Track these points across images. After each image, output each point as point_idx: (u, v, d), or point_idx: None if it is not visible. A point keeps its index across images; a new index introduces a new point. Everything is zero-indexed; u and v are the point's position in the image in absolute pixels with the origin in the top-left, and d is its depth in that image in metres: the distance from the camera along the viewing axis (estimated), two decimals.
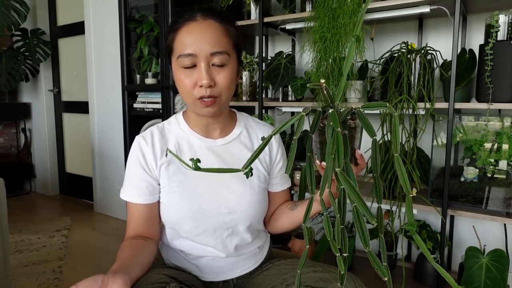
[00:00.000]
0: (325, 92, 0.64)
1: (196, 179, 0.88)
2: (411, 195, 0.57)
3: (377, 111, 1.54)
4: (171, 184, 0.88)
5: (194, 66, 0.81)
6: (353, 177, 0.59)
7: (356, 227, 0.58)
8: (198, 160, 0.60)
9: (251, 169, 0.63)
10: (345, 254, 0.59)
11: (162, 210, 0.91)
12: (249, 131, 0.96)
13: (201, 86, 0.80)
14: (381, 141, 1.52)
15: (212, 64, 0.81)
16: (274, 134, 0.63)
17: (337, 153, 0.58)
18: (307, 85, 0.67)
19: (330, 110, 0.61)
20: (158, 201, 0.90)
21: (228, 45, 0.83)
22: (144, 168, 0.88)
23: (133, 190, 0.88)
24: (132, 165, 0.89)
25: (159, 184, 0.89)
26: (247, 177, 0.63)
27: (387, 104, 0.61)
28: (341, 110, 0.66)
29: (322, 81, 0.63)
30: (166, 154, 0.67)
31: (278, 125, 0.64)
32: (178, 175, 0.88)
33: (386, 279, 0.55)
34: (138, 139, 0.90)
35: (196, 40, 0.80)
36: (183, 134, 0.91)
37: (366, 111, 0.65)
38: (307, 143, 0.67)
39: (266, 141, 0.63)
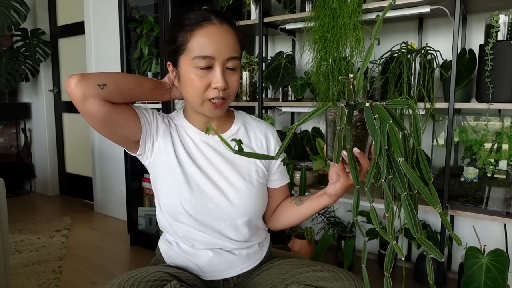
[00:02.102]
0: (351, 86, 0.68)
1: (198, 167, 0.90)
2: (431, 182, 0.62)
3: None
4: (173, 168, 0.89)
5: (208, 67, 0.83)
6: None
7: (406, 217, 0.60)
8: (241, 141, 0.63)
9: (286, 156, 0.66)
10: (395, 242, 0.61)
11: (163, 193, 0.91)
12: (247, 128, 0.98)
13: (215, 88, 0.83)
14: None
15: (226, 68, 0.84)
16: (299, 124, 0.66)
17: (397, 143, 0.61)
18: (339, 78, 0.71)
19: (367, 104, 0.64)
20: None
21: (239, 50, 0.88)
22: (154, 121, 0.90)
23: (142, 108, 0.90)
24: (152, 110, 0.92)
25: (152, 151, 0.90)
26: (284, 165, 0.65)
27: (410, 101, 0.65)
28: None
29: (351, 75, 0.67)
30: (207, 132, 0.69)
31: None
32: (183, 158, 0.90)
33: (443, 260, 0.59)
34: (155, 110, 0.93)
35: (216, 43, 0.82)
36: (182, 129, 0.94)
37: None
38: (347, 136, 0.68)
39: (293, 130, 0.66)
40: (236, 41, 0.86)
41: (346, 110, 0.65)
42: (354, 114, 0.68)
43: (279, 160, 0.99)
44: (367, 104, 0.64)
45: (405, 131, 0.64)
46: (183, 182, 0.88)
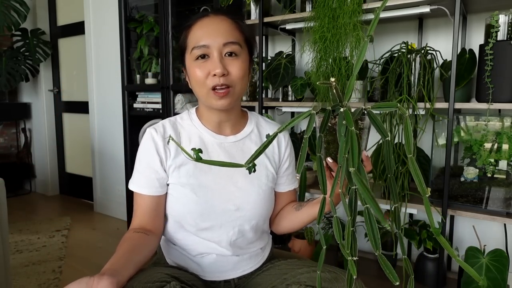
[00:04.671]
0: (334, 91, 0.63)
1: (206, 173, 0.88)
2: (427, 195, 0.56)
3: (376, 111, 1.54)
4: (181, 178, 0.88)
5: (207, 58, 0.83)
6: (365, 177, 0.58)
7: (366, 230, 0.56)
8: (200, 151, 0.59)
9: (254, 165, 0.62)
10: (354, 258, 0.58)
11: (169, 202, 0.91)
12: (259, 130, 0.97)
13: (214, 75, 0.82)
14: (380, 141, 1.52)
15: (225, 55, 0.83)
16: (280, 131, 0.62)
17: (352, 152, 0.56)
18: (317, 83, 0.65)
19: (342, 109, 0.60)
20: (165, 194, 0.91)
21: (239, 37, 0.86)
22: (156, 159, 0.88)
23: (142, 181, 0.88)
24: (143, 156, 0.89)
25: (168, 176, 0.90)
26: (250, 173, 0.61)
27: (399, 104, 0.60)
28: (352, 110, 0.64)
29: (332, 79, 0.61)
30: (168, 141, 0.66)
31: (284, 122, 0.62)
32: (189, 168, 0.88)
33: (397, 283, 0.54)
34: (150, 130, 0.90)
35: (209, 32, 0.83)
36: (195, 130, 0.92)
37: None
38: (317, 143, 0.65)
39: (271, 138, 0.61)
40: (232, 28, 0.85)
41: (317, 118, 0.62)
42: (336, 120, 0.65)
43: (287, 163, 0.98)
44: (342, 110, 0.61)
45: (387, 138, 0.60)
46: (189, 190, 0.87)
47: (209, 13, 0.86)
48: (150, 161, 0.88)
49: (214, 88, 0.83)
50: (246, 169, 0.61)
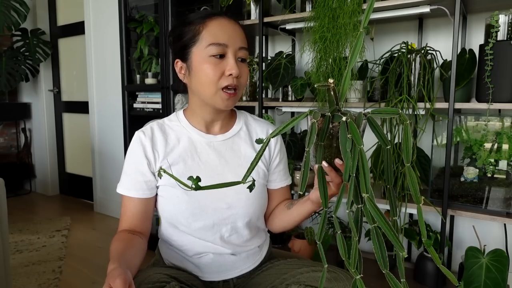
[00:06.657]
0: (332, 93, 0.60)
1: (196, 172, 0.89)
2: (420, 204, 0.55)
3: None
4: (171, 179, 0.88)
5: (222, 57, 0.84)
6: (374, 200, 0.55)
7: (374, 248, 0.54)
8: (199, 179, 0.58)
9: (254, 180, 0.61)
10: (360, 276, 0.55)
11: (160, 203, 0.91)
12: (249, 129, 0.98)
13: (230, 75, 0.83)
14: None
15: (238, 59, 0.86)
16: (273, 137, 0.60)
17: (363, 175, 0.53)
18: (315, 85, 0.64)
19: (344, 118, 0.57)
20: (154, 197, 0.91)
21: (247, 45, 0.89)
22: (144, 162, 0.88)
23: (130, 184, 0.89)
24: (131, 159, 0.90)
25: (156, 178, 0.90)
26: (250, 191, 0.61)
27: (400, 111, 0.57)
28: (353, 115, 0.61)
29: (331, 80, 0.58)
30: (160, 175, 0.66)
31: (278, 126, 0.61)
32: (178, 168, 0.88)
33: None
34: (138, 134, 0.91)
35: (229, 32, 0.85)
36: (184, 130, 0.93)
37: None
38: (319, 152, 0.61)
39: (265, 145, 0.59)
40: (244, 35, 0.89)
41: (309, 119, 0.58)
42: (334, 124, 0.61)
43: (277, 160, 0.99)
44: (344, 119, 0.57)
45: (388, 147, 0.58)
46: (180, 190, 0.87)
47: (223, 13, 0.87)
48: (138, 164, 0.89)
49: (224, 88, 0.84)
50: (247, 188, 0.60)
